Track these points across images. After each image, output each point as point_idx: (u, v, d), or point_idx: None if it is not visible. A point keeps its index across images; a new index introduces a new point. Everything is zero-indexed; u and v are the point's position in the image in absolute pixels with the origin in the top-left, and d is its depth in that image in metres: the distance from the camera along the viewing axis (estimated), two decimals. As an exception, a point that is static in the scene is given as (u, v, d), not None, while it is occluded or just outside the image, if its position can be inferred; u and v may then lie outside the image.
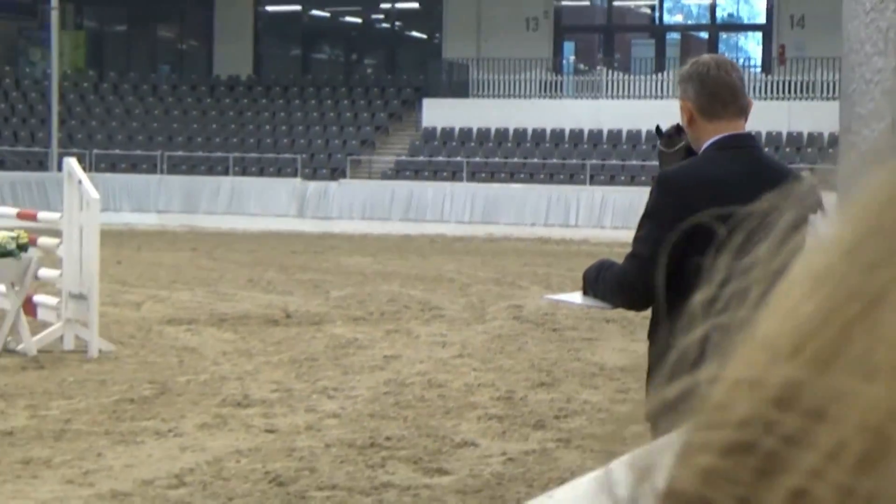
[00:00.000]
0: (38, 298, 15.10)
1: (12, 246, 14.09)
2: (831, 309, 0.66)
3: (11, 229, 14.78)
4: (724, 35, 49.71)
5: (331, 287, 22.28)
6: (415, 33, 53.72)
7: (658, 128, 14.71)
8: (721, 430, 0.64)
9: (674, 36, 50.28)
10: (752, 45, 49.41)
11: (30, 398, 11.78)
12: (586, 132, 44.00)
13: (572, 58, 50.18)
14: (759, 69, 45.22)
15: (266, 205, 42.70)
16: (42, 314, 15.03)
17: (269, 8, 54.06)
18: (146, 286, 21.91)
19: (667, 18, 50.24)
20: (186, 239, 35.85)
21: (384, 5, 53.29)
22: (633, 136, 43.19)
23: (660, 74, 44.40)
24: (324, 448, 9.97)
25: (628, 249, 4.99)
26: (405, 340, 15.95)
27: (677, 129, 15.24)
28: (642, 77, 45.19)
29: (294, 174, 43.82)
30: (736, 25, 50.18)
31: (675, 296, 3.76)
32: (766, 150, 7.95)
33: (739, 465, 0.63)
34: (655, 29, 50.21)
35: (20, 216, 17.60)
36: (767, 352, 0.66)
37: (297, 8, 53.74)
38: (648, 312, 5.10)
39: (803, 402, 0.63)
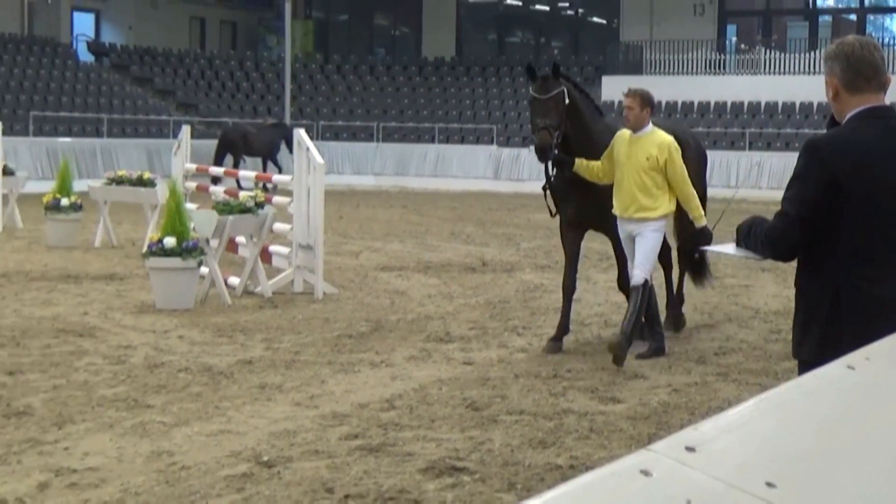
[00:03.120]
0: (272, 248, 15.38)
1: (251, 204, 14.36)
2: None
3: (251, 190, 15.08)
4: (871, 17, 48.35)
5: (521, 239, 22.29)
6: (595, 19, 53.29)
7: (530, 67, 11.28)
8: None
9: (826, 18, 49.08)
10: (897, 25, 48.06)
11: (265, 333, 12.02)
12: (746, 104, 43.32)
13: (734, 39, 49.33)
14: (903, 48, 43.92)
15: (466, 168, 42.89)
16: (276, 262, 15.30)
17: (470, -2, 54.19)
18: (363, 238, 22.16)
19: (819, 2, 49.14)
20: (398, 198, 36.16)
21: (569, -5, 53.08)
22: (788, 108, 42.45)
23: (812, 53, 43.32)
24: (513, 378, 9.99)
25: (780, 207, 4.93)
26: (585, 286, 15.87)
27: (554, 72, 10.92)
28: (797, 55, 44.19)
29: (490, 142, 43.88)
30: (883, 8, 48.84)
31: (819, 250, 3.71)
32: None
33: None
34: (809, 12, 49.08)
35: (258, 178, 17.93)
36: None
37: (494, -2, 53.80)
38: (796, 262, 5.02)
39: None
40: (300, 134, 15.03)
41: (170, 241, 13.18)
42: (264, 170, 36.70)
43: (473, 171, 42.68)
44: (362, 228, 24.08)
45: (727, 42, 48.47)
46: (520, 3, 54.28)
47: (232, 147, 37.11)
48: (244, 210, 14.25)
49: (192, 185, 17.34)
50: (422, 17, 54.18)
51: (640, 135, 10.51)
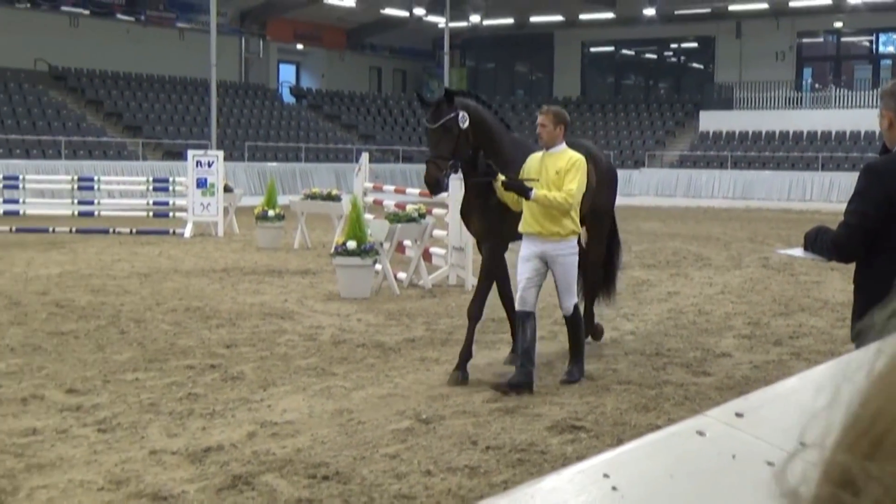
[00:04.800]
0: (432, 249, 15.46)
1: (415, 215, 14.49)
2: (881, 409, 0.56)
3: (416, 204, 15.20)
4: (925, 60, 47.00)
5: (632, 243, 22.02)
6: (694, 64, 52.56)
7: (419, 94, 9.49)
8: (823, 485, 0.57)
9: (886, 62, 47.67)
10: (947, 67, 46.49)
11: (426, 317, 12.10)
12: (819, 133, 42.40)
13: (810, 79, 48.28)
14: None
15: (588, 186, 42.80)
16: (435, 260, 15.39)
17: (592, 49, 53.90)
18: (505, 242, 22.13)
19: (881, 49, 47.73)
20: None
21: (673, 45, 52.44)
22: (854, 136, 41.48)
23: (875, 90, 42.26)
24: (623, 355, 9.93)
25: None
26: (683, 281, 15.70)
27: (447, 98, 8.89)
28: (862, 93, 43.15)
29: (608, 165, 43.71)
30: (935, 53, 47.46)
31: (875, 254, 3.66)
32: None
33: None
34: (872, 57, 47.78)
35: (421, 194, 18.01)
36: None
37: (612, 49, 53.46)
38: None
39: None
40: (454, 159, 15.09)
41: (352, 244, 13.35)
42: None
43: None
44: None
45: (804, 82, 47.48)
46: (633, 52, 53.88)
47: None
48: (410, 219, 14.37)
49: (369, 199, 17.54)
50: (553, 64, 54.17)
51: (552, 152, 8.50)
